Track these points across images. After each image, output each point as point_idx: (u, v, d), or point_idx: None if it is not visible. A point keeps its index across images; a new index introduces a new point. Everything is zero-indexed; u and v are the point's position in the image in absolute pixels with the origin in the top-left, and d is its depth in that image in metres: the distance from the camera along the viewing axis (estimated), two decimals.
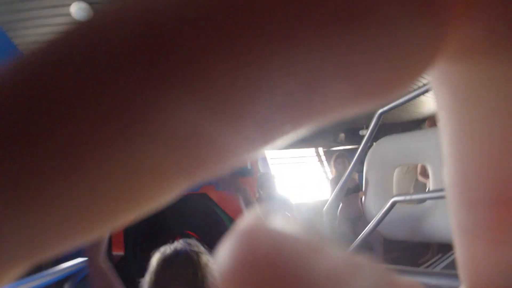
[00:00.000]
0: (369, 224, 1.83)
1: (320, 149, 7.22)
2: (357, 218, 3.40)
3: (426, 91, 1.52)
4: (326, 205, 2.36)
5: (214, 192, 3.90)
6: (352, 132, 7.40)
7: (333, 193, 2.28)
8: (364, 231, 1.80)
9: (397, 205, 2.72)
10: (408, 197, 1.64)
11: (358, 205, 3.43)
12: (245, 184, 4.17)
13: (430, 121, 3.69)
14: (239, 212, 3.79)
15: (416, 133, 2.71)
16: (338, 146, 7.31)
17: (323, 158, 7.11)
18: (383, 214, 1.73)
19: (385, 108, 1.81)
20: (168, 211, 3.64)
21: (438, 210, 2.32)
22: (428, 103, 6.48)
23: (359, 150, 2.07)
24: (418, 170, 3.97)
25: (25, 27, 2.73)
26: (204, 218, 3.78)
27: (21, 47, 2.30)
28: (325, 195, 6.00)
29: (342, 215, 3.33)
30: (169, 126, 0.06)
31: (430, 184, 2.51)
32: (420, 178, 3.77)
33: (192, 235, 3.74)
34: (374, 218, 2.75)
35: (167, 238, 3.59)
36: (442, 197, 1.48)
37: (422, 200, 2.37)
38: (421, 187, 3.80)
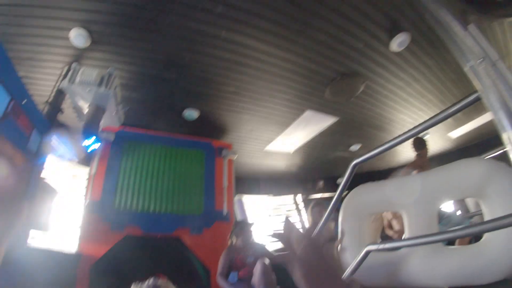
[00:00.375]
0: (344, 274, 1.82)
1: (298, 197, 7.28)
2: None
3: (400, 142, 1.62)
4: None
5: (188, 236, 3.82)
6: (330, 180, 7.56)
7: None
8: None
9: (373, 253, 2.74)
10: (381, 246, 1.66)
11: (334, 255, 3.40)
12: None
13: (404, 170, 3.84)
14: (211, 257, 3.72)
15: (391, 181, 2.77)
16: (316, 193, 7.40)
17: (301, 205, 7.14)
18: (357, 263, 1.73)
19: (360, 159, 1.87)
20: (139, 252, 3.49)
21: (414, 256, 2.29)
22: (403, 153, 6.80)
23: (333, 200, 2.10)
24: (385, 222, 4.06)
25: (23, 42, 2.78)
26: (176, 261, 3.63)
27: (15, 61, 2.32)
28: None
29: None
30: None
31: (405, 232, 2.54)
32: (387, 231, 3.86)
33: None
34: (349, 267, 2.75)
35: (136, 280, 3.42)
36: (415, 245, 1.52)
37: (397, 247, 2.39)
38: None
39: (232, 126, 4.52)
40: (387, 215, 4.12)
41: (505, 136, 1.11)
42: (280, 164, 6.32)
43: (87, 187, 3.68)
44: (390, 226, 4.05)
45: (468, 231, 1.41)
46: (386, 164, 7.28)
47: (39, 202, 2.71)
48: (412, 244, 1.65)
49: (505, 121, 1.12)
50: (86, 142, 2.93)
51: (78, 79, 2.77)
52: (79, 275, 3.14)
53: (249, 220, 3.51)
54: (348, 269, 1.86)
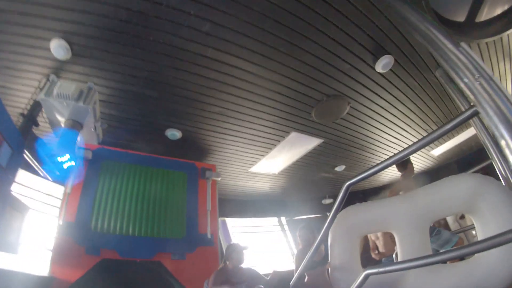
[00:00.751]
0: None
1: (283, 218, 7.14)
2: None
3: (391, 164, 1.59)
4: (292, 280, 2.23)
5: (169, 261, 3.59)
6: (315, 201, 7.49)
7: (300, 267, 2.18)
8: None
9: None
10: (381, 270, 1.58)
11: (326, 278, 3.27)
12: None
13: (391, 191, 3.81)
14: (194, 284, 3.50)
15: (381, 201, 2.74)
16: (301, 215, 7.29)
17: (286, 227, 7.00)
18: (356, 287, 1.65)
19: (353, 180, 1.83)
20: (116, 277, 3.23)
21: (409, 274, 2.23)
22: (387, 173, 6.86)
23: (327, 222, 2.04)
24: (371, 244, 4.02)
25: (0, 50, 2.63)
26: (157, 287, 3.39)
27: None
28: (289, 265, 5.90)
29: None
30: None
31: (398, 252, 2.48)
32: (373, 255, 3.81)
33: None
34: None
35: None
36: (416, 267, 1.46)
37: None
38: None
39: (216, 147, 4.41)
40: (372, 236, 4.07)
41: (503, 144, 1.17)
42: (264, 186, 6.21)
43: (61, 207, 3.43)
44: (376, 248, 3.99)
45: (466, 250, 1.35)
46: (369, 184, 7.32)
47: (8, 220, 2.47)
48: (412, 266, 1.58)
49: (504, 132, 1.17)
50: (61, 159, 2.74)
51: (55, 91, 2.62)
52: None
53: (242, 244, 3.34)
54: None
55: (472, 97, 1.31)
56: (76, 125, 2.90)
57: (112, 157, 3.83)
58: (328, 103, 3.72)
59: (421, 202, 2.37)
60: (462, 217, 4.31)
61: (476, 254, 1.95)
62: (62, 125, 2.93)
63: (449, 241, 3.42)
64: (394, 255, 3.94)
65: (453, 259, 2.63)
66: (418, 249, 2.22)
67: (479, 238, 2.00)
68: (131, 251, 3.44)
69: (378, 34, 2.90)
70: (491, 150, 3.06)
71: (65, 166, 2.86)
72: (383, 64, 3.24)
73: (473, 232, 4.24)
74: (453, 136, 5.86)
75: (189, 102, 3.38)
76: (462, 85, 1.38)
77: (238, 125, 3.93)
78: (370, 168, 1.56)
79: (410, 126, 4.89)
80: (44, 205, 3.51)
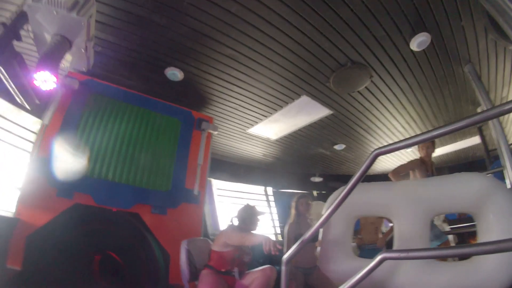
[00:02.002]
0: (351, 279, 1.51)
1: (269, 189, 6.95)
2: (311, 269, 3.05)
3: (422, 141, 1.42)
4: (287, 254, 1.97)
5: (149, 214, 3.27)
6: (304, 177, 7.32)
7: (299, 241, 1.91)
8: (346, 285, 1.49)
9: (353, 261, 2.46)
10: (402, 255, 1.37)
11: (314, 256, 3.08)
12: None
13: (393, 173, 3.57)
14: (173, 243, 3.23)
15: (386, 185, 2.53)
16: (287, 188, 7.13)
17: (271, 198, 6.85)
18: (368, 270, 1.47)
19: (382, 150, 1.57)
20: (90, 224, 2.91)
21: (402, 269, 2.17)
22: (381, 160, 6.69)
23: (343, 193, 1.78)
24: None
25: None
26: (131, 241, 3.09)
27: None
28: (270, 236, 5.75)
29: (294, 264, 2.96)
30: None
31: (395, 241, 2.32)
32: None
33: (114, 257, 3.02)
34: (331, 271, 2.45)
35: (84, 256, 2.84)
36: (440, 256, 1.35)
37: None
38: None
39: (218, 98, 3.99)
40: (361, 220, 3.93)
41: None
42: (258, 152, 5.91)
43: (35, 141, 3.01)
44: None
45: (475, 249, 1.32)
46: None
47: None
48: (436, 256, 1.42)
49: None
50: (40, 77, 2.31)
51: None
52: (13, 243, 2.50)
53: (260, 209, 2.98)
54: (356, 276, 1.54)
55: None
56: (64, 42, 2.43)
57: (101, 91, 3.36)
58: (351, 71, 3.36)
59: (427, 194, 2.25)
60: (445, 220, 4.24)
61: (474, 256, 1.95)
62: (48, 41, 2.47)
63: (439, 237, 3.32)
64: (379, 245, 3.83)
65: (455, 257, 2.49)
66: (417, 241, 2.15)
67: (480, 240, 2.00)
68: (108, 198, 3.07)
69: (423, 6, 2.60)
70: (506, 157, 2.92)
71: (44, 87, 2.42)
72: (419, 42, 3.00)
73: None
74: (455, 141, 5.69)
75: (199, 37, 2.91)
76: None
77: (248, 76, 3.51)
78: (402, 141, 1.40)
79: (420, 117, 4.63)
80: (17, 138, 3.05)
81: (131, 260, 3.05)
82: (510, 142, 3.03)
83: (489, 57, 3.31)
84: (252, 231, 2.75)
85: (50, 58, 2.34)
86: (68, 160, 2.95)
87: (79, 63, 2.83)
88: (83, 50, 2.62)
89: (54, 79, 2.33)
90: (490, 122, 3.22)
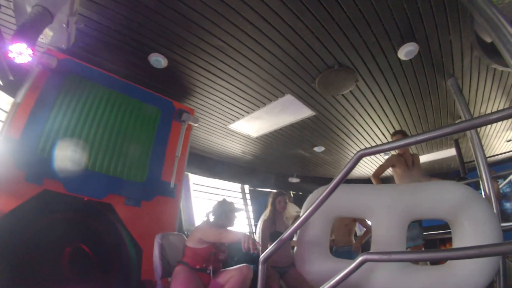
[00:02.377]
0: (331, 280, 1.50)
1: (246, 187, 6.91)
2: (286, 268, 3.02)
3: (406, 145, 1.51)
4: (264, 253, 1.94)
5: (122, 206, 3.13)
6: (282, 177, 7.33)
7: (277, 240, 1.89)
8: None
9: (329, 262, 2.46)
10: (384, 257, 1.36)
11: (290, 255, 3.07)
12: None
13: (373, 176, 3.70)
14: (146, 236, 3.11)
15: (366, 187, 2.57)
16: (264, 187, 7.11)
17: (247, 196, 6.80)
18: (349, 271, 1.49)
19: (366, 151, 1.58)
20: (60, 213, 2.74)
21: (378, 271, 2.21)
22: (360, 167, 6.82)
23: (324, 193, 1.77)
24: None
25: None
26: (102, 232, 2.94)
27: None
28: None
29: (269, 264, 2.92)
30: None
31: (372, 242, 2.35)
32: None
33: (85, 250, 2.86)
34: (307, 271, 2.44)
35: (53, 248, 2.64)
36: (423, 260, 1.48)
37: None
38: None
39: (201, 89, 3.88)
40: (336, 222, 3.97)
41: None
42: (237, 149, 5.84)
43: (6, 119, 2.80)
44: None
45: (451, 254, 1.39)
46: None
47: None
48: (419, 259, 1.47)
49: None
50: (16, 49, 2.15)
51: None
52: None
53: (237, 205, 2.87)
54: (336, 277, 1.53)
55: None
56: (45, 14, 2.27)
57: (79, 73, 3.18)
58: (337, 73, 3.38)
59: (407, 199, 2.32)
60: None
61: (449, 261, 2.06)
62: (28, 11, 2.30)
63: (414, 240, 3.39)
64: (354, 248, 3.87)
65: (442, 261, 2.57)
66: (394, 243, 2.21)
67: (455, 246, 2.10)
68: (79, 186, 2.90)
69: (415, 16, 2.66)
70: (482, 168, 3.04)
71: (19, 60, 2.25)
72: (406, 51, 3.08)
73: None
74: (432, 151, 5.90)
75: (188, 24, 2.81)
76: None
77: (234, 69, 3.43)
78: (386, 143, 1.47)
79: (400, 126, 4.76)
80: None
81: (102, 253, 2.90)
82: (486, 156, 3.15)
83: (472, 73, 3.43)
84: (228, 228, 2.68)
85: (28, 29, 2.18)
86: (39, 143, 2.77)
87: (59, 39, 2.67)
88: (64, 25, 2.48)
89: (30, 52, 2.17)
90: (468, 133, 3.35)
